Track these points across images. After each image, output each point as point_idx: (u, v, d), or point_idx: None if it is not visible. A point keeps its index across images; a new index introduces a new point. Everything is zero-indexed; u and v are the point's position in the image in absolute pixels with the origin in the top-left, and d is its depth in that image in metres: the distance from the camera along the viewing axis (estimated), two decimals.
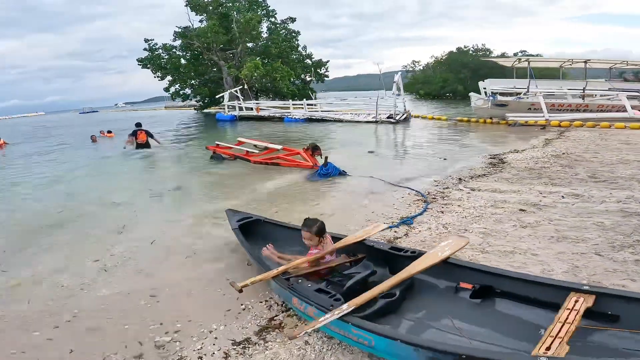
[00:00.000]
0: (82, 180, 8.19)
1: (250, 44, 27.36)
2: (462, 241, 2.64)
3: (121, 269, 3.55)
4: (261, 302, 2.76)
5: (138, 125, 12.79)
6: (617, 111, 14.03)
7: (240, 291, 2.47)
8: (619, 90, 14.45)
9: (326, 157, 7.12)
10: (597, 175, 5.76)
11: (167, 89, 28.94)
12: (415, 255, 2.59)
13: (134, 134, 12.30)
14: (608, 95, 14.62)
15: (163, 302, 2.89)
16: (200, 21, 27.16)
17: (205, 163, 9.31)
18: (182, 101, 32.69)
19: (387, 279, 2.29)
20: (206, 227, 4.57)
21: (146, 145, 12.22)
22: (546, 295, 2.10)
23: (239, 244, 3.72)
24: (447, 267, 2.47)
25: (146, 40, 26.99)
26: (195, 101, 32.23)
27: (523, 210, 4.28)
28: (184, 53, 27.45)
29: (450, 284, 2.48)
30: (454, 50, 44.78)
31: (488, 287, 2.30)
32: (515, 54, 31.47)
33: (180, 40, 27.04)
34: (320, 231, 2.85)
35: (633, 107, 13.59)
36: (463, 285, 2.41)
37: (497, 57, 22.37)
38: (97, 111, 64.37)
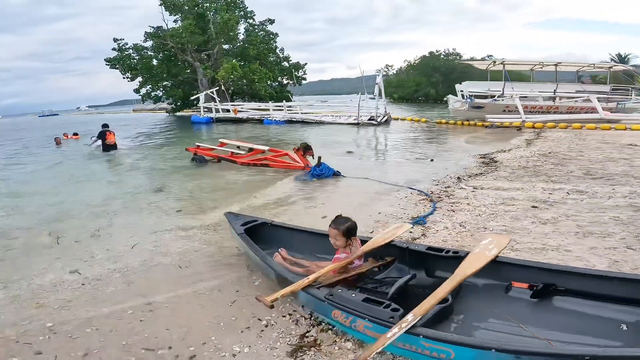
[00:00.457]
0: (46, 187, 7.41)
1: (226, 45, 26.61)
2: (505, 238, 2.44)
3: (105, 282, 3.09)
4: (284, 316, 2.42)
5: (105, 126, 12.09)
6: (585, 112, 14.68)
7: (272, 307, 2.14)
8: (589, 93, 15.11)
9: (319, 157, 6.84)
10: (592, 173, 5.83)
11: (137, 90, 27.59)
12: (459, 255, 2.37)
13: (102, 135, 11.62)
14: (578, 97, 15.23)
15: (165, 321, 2.48)
16: (175, 21, 26.19)
17: (187, 166, 8.77)
18: (154, 103, 31.35)
19: (443, 283, 2.03)
20: (197, 234, 4.13)
21: (114, 146, 11.61)
22: (621, 290, 1.93)
23: (243, 251, 3.37)
24: (494, 267, 2.26)
25: (115, 40, 25.64)
26: (168, 104, 31.01)
27: (535, 207, 4.19)
28: (157, 53, 26.30)
29: (499, 283, 2.28)
30: (427, 54, 45.89)
31: (548, 285, 2.10)
32: (483, 59, 32.51)
33: (151, 41, 25.91)
34: (349, 232, 2.56)
35: (593, 109, 14.24)
36: (516, 284, 2.21)
37: (473, 60, 22.98)
38: (57, 114, 60.76)
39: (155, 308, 2.66)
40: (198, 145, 9.81)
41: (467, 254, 2.34)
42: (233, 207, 5.13)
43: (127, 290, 2.96)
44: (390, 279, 2.46)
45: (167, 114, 31.85)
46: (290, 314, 2.43)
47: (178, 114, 29.99)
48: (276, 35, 27.59)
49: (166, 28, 25.46)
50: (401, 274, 2.55)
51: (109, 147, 11.48)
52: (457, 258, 2.34)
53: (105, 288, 2.99)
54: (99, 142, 11.76)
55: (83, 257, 3.61)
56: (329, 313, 2.10)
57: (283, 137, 14.21)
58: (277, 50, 28.05)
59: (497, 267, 2.25)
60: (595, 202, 4.28)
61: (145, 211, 5.23)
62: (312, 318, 2.36)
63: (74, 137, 15.90)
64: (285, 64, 28.51)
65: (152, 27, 26.27)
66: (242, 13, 26.35)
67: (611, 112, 14.05)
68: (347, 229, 2.54)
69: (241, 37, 26.95)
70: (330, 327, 2.22)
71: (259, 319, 2.43)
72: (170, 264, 3.40)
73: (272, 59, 27.32)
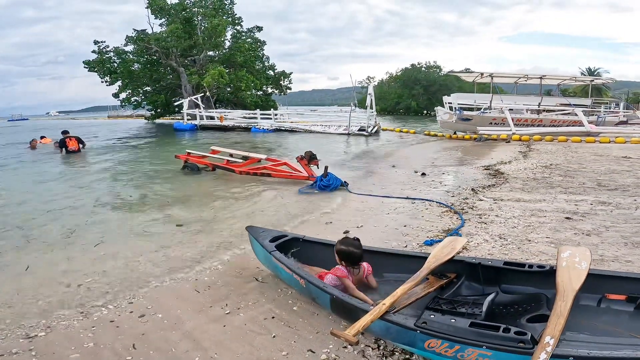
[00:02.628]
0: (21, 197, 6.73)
1: (211, 52, 26.10)
2: (586, 250, 2.23)
3: (105, 309, 2.63)
4: (344, 347, 2.07)
5: (65, 132, 11.84)
6: (567, 125, 15.12)
7: (357, 343, 1.80)
8: (573, 106, 15.61)
9: (326, 167, 6.52)
10: (604, 184, 5.80)
11: (116, 95, 26.52)
12: (546, 270, 2.17)
13: (63, 143, 11.40)
14: (565, 110, 15.69)
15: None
16: (161, 25, 25.55)
17: (179, 174, 8.24)
18: (134, 109, 30.22)
19: (557, 300, 1.81)
20: (207, 251, 3.67)
21: (78, 151, 11.50)
22: None
23: (271, 271, 3.00)
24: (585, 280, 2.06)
25: (96, 42, 24.65)
26: (147, 110, 29.98)
27: (569, 219, 4.04)
28: (139, 57, 25.45)
29: (589, 295, 2.10)
30: (408, 66, 46.76)
31: None
32: (462, 71, 33.32)
33: (132, 46, 25.07)
34: (340, 255, 2.53)
35: (575, 123, 14.72)
36: (611, 296, 2.05)
37: (454, 72, 23.51)
38: (27, 119, 57.86)
39: (181, 349, 2.22)
40: (189, 153, 9.32)
41: (553, 267, 2.13)
42: (240, 220, 4.75)
43: (134, 325, 2.48)
44: (462, 298, 2.19)
45: (146, 121, 30.75)
46: (351, 344, 2.09)
47: (158, 121, 29.00)
48: (264, 43, 27.38)
49: (151, 32, 24.77)
50: (472, 291, 2.29)
51: (72, 153, 11.33)
52: (543, 273, 2.15)
53: (120, 319, 2.54)
54: (63, 150, 11.49)
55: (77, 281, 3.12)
56: (421, 343, 1.79)
57: (273, 145, 13.87)
58: (263, 59, 27.80)
59: (587, 279, 2.04)
60: (625, 212, 4.19)
61: (141, 225, 4.70)
62: (380, 347, 2.03)
63: (43, 140, 14.74)
64: (271, 72, 28.26)
65: (136, 31, 25.50)
66: (230, 19, 26.00)
67: (595, 125, 14.52)
68: (339, 251, 2.55)
69: (228, 43, 26.59)
70: (408, 357, 1.91)
71: (312, 352, 2.08)
72: (182, 286, 2.97)
73: (258, 67, 27.01)
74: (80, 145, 11.55)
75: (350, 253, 2.50)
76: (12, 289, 2.95)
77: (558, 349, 1.52)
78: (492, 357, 1.60)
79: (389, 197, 5.61)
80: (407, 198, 5.44)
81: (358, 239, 2.62)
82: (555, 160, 8.83)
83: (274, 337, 2.24)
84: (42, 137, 15.31)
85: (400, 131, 18.55)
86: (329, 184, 6.33)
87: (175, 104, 23.16)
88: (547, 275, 2.14)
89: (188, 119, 21.04)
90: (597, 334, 1.88)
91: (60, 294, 2.87)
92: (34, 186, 7.31)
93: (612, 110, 17.62)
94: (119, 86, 25.91)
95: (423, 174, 7.47)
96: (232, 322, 2.43)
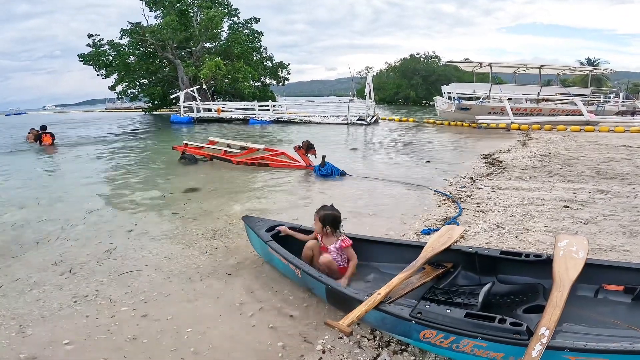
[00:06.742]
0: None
1: (208, 44, 25.78)
2: (584, 239, 2.21)
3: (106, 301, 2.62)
4: (340, 337, 2.06)
5: (43, 128, 12.71)
6: (566, 115, 15.05)
7: (351, 333, 1.78)
8: (572, 96, 15.52)
9: (324, 157, 6.48)
10: (602, 173, 5.78)
11: (112, 88, 26.27)
12: (543, 259, 2.14)
13: (38, 137, 12.27)
14: (565, 100, 15.60)
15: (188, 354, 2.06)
16: (156, 17, 25.24)
17: (176, 165, 8.17)
18: (131, 101, 29.94)
19: (553, 291, 1.79)
20: (201, 240, 3.65)
21: (51, 145, 12.22)
22: None
23: (267, 260, 2.99)
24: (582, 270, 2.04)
25: (90, 36, 24.31)
26: (145, 102, 29.76)
27: (567, 207, 4.02)
28: (134, 50, 25.13)
29: (586, 286, 2.08)
30: (407, 57, 46.43)
31: None
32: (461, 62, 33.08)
33: (128, 39, 24.76)
34: (326, 220, 2.64)
35: (574, 112, 14.64)
36: (609, 287, 2.03)
37: (453, 62, 23.35)
38: (25, 113, 57.60)
39: (176, 339, 2.22)
40: (186, 144, 9.26)
41: (549, 257, 2.11)
42: (237, 210, 4.72)
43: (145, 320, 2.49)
44: (458, 288, 2.16)
45: (144, 113, 30.56)
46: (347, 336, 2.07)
47: (155, 113, 28.84)
48: (261, 34, 27.04)
49: (146, 24, 24.44)
50: (468, 281, 2.27)
51: (44, 146, 11.88)
52: (540, 262, 2.12)
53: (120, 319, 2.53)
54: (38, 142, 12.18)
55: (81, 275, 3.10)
56: (416, 334, 1.77)
57: (272, 136, 13.78)
58: (261, 50, 27.51)
59: (584, 269, 2.02)
60: (624, 201, 4.17)
61: (136, 214, 4.69)
62: (375, 337, 2.02)
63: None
64: (269, 63, 28.00)
65: (131, 23, 25.14)
66: (226, 10, 25.64)
67: (595, 114, 14.46)
68: (324, 217, 2.65)
69: (224, 35, 26.28)
70: (403, 347, 1.89)
71: (309, 342, 2.06)
72: (178, 276, 2.94)
73: (256, 58, 26.74)
74: (53, 140, 12.34)
75: (336, 217, 2.68)
76: (6, 277, 2.94)
77: (553, 341, 1.50)
78: (488, 348, 1.58)
79: (387, 179, 5.62)
80: (405, 183, 5.44)
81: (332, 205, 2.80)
82: (554, 149, 8.79)
83: (270, 327, 2.23)
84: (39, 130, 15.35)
85: (400, 120, 18.47)
86: (327, 173, 6.31)
87: (172, 97, 22.93)
88: (544, 265, 2.12)
89: (185, 111, 20.86)
90: (594, 325, 1.86)
91: (55, 283, 2.85)
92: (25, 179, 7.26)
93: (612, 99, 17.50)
94: (115, 79, 25.66)
95: (427, 161, 7.57)
96: (228, 313, 2.42)
